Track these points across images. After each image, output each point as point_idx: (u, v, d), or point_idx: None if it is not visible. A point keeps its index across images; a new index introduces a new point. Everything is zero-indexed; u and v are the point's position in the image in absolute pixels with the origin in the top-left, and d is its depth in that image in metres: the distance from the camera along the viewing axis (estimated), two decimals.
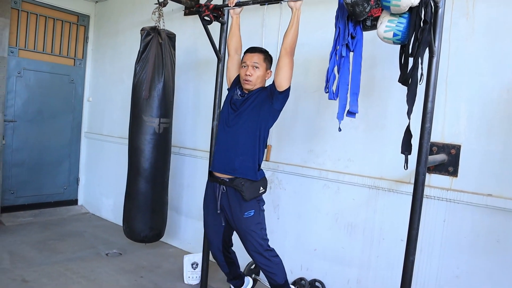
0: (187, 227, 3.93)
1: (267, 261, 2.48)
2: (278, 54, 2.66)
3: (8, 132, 4.41)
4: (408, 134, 2.02)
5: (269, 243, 2.54)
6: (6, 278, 3.01)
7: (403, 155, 2.09)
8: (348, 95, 2.08)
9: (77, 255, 3.58)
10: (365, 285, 2.83)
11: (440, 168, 2.56)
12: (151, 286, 3.09)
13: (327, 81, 2.10)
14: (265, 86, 2.53)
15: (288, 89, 2.38)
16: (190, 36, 3.89)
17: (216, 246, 2.64)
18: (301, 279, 3.04)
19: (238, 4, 2.62)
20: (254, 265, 3.18)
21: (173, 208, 3.93)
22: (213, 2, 2.78)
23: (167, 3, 3.17)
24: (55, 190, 4.90)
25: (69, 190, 5.05)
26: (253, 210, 2.44)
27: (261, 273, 3.26)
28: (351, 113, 2.09)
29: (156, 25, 3.22)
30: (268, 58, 2.52)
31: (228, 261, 2.69)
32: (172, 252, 3.85)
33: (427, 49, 1.95)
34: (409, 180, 2.63)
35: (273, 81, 2.37)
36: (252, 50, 2.51)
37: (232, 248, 2.75)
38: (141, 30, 3.22)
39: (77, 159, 5.09)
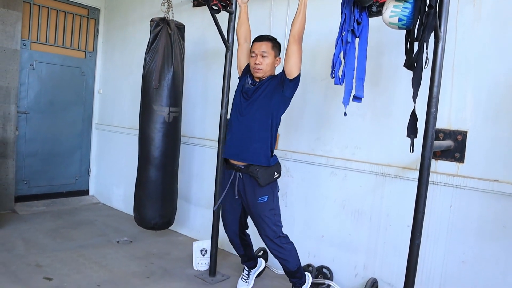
0: (196, 216, 3.99)
1: (278, 247, 2.54)
2: (285, 43, 2.70)
3: (21, 123, 4.50)
4: (413, 117, 2.05)
5: None
6: (21, 263, 3.09)
7: (410, 141, 2.12)
8: (354, 80, 2.11)
9: (89, 242, 3.66)
10: (371, 271, 2.86)
11: (446, 155, 2.58)
12: (160, 272, 3.15)
13: (333, 66, 2.13)
14: (276, 74, 2.57)
15: (298, 77, 2.43)
16: (199, 27, 3.93)
17: (233, 230, 2.73)
18: (309, 265, 3.08)
19: None
20: (262, 252, 3.23)
21: (183, 197, 3.99)
22: None
23: None
24: (67, 180, 4.99)
25: (81, 181, 5.14)
26: (267, 196, 2.52)
27: (268, 259, 3.31)
28: (357, 98, 2.12)
29: (165, 16, 3.27)
30: (276, 45, 2.57)
31: (244, 243, 2.81)
32: (182, 240, 3.91)
33: (433, 34, 1.97)
34: (416, 166, 2.64)
35: (283, 69, 2.41)
36: (260, 38, 2.56)
37: (247, 231, 2.86)
38: (151, 21, 3.28)
39: (88, 150, 5.18)
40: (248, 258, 2.88)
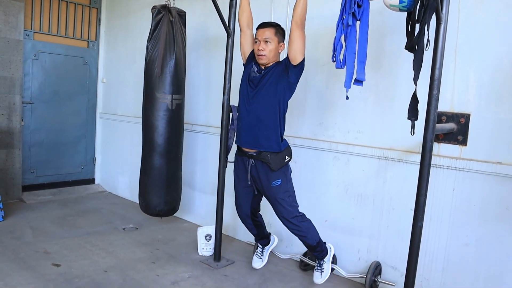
0: (201, 202, 4.02)
1: (295, 226, 2.66)
2: (287, 29, 2.69)
3: (26, 113, 4.53)
4: (414, 100, 2.05)
5: None
6: (30, 250, 3.14)
7: (411, 124, 2.12)
8: (355, 63, 2.11)
9: (96, 230, 3.71)
10: (375, 255, 2.88)
11: (449, 137, 2.57)
12: (166, 258, 3.19)
13: (334, 50, 2.13)
14: (280, 60, 2.58)
15: (303, 62, 2.44)
16: (200, 14, 3.91)
17: (245, 213, 2.84)
18: None
19: None
20: None
21: (187, 184, 4.02)
22: None
23: None
24: (72, 169, 5.04)
25: (86, 170, 5.18)
26: (280, 180, 2.59)
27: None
28: (358, 81, 2.12)
29: (166, 3, 3.26)
30: (279, 31, 2.57)
31: (256, 223, 2.92)
32: (187, 226, 3.95)
33: (435, 15, 1.96)
34: (418, 150, 2.62)
35: (287, 55, 2.42)
36: (263, 25, 2.57)
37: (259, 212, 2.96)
38: (152, 8, 3.27)
39: (93, 139, 5.21)
40: (261, 237, 2.99)
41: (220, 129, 3.03)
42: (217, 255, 3.15)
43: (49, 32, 4.67)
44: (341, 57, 2.13)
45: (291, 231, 2.69)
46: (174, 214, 3.62)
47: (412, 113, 2.07)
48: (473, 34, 2.47)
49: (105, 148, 5.20)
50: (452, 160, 2.55)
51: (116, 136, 4.99)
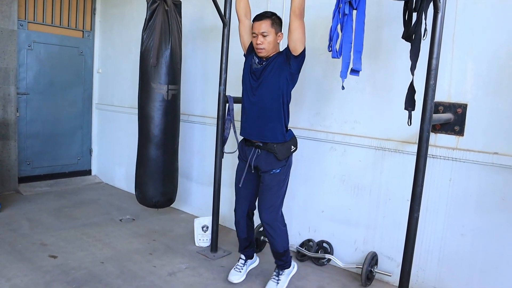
0: (197, 193, 4.02)
1: (271, 222, 2.56)
2: (284, 18, 2.66)
3: (21, 104, 4.50)
4: (411, 90, 2.03)
5: None
6: (26, 242, 3.14)
7: (408, 114, 2.11)
8: (352, 53, 2.08)
9: (92, 221, 3.70)
10: (371, 245, 2.89)
11: (446, 128, 2.57)
12: (163, 248, 3.19)
13: (330, 39, 2.11)
14: (281, 50, 2.55)
15: (304, 52, 2.42)
16: (196, 4, 3.87)
17: (242, 210, 2.73)
18: (309, 240, 3.11)
19: None
20: (262, 228, 3.25)
21: (184, 175, 4.01)
22: None
23: None
24: (69, 160, 5.02)
25: (83, 161, 5.16)
26: (279, 169, 2.55)
27: None
28: (355, 71, 2.10)
29: None
30: (276, 21, 2.51)
31: (249, 226, 2.79)
32: (184, 217, 3.95)
33: (432, 4, 1.93)
34: (415, 140, 2.62)
35: (287, 46, 2.39)
36: (258, 18, 2.50)
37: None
38: None
39: (89, 130, 5.18)
40: (250, 243, 2.83)
41: (216, 119, 3.01)
42: (214, 246, 3.15)
43: (43, 22, 4.61)
44: (337, 46, 2.10)
45: (264, 226, 2.58)
46: (171, 205, 3.62)
47: (409, 103, 2.06)
48: (471, 23, 2.44)
49: (101, 139, 5.17)
50: (448, 150, 2.54)
51: (113, 127, 4.97)
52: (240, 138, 2.72)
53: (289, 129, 2.62)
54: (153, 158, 3.29)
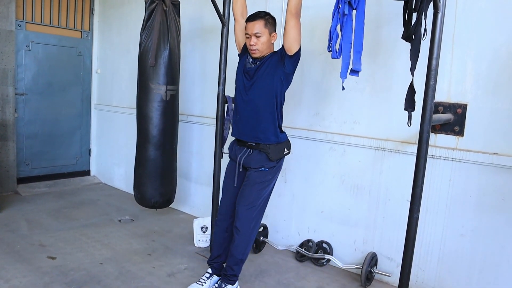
0: (196, 194, 4.01)
1: (242, 223, 2.43)
2: (282, 18, 2.64)
3: (20, 105, 4.49)
4: (411, 90, 2.03)
5: (276, 207, 2.53)
6: (25, 243, 3.13)
7: (408, 114, 2.10)
8: (351, 53, 2.08)
9: (91, 222, 3.69)
10: (371, 245, 2.88)
11: (446, 128, 2.56)
12: (162, 249, 3.19)
13: (330, 39, 2.10)
14: (275, 50, 2.52)
15: (299, 52, 2.37)
16: (194, 3, 3.86)
17: (228, 222, 2.57)
18: (309, 240, 3.11)
19: None
20: (262, 228, 3.25)
21: (183, 175, 4.00)
22: None
23: None
24: (68, 161, 5.01)
25: (82, 161, 5.15)
26: (268, 169, 2.48)
27: (269, 235, 3.34)
28: (355, 72, 2.09)
29: None
30: (269, 21, 2.46)
31: (226, 242, 2.59)
32: (183, 218, 3.94)
33: (432, 4, 1.92)
34: (415, 140, 2.62)
35: (282, 45, 2.36)
36: (251, 18, 2.45)
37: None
38: None
39: (88, 130, 5.17)
40: (223, 260, 2.63)
41: (215, 120, 3.00)
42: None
43: (41, 22, 4.60)
44: (337, 46, 2.09)
45: (235, 224, 2.45)
46: (170, 206, 3.61)
47: (409, 104, 2.05)
48: (470, 24, 2.44)
49: (100, 139, 5.16)
50: (448, 151, 2.54)
51: (112, 127, 4.96)
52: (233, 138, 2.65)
53: (284, 132, 2.56)
54: (151, 158, 3.28)
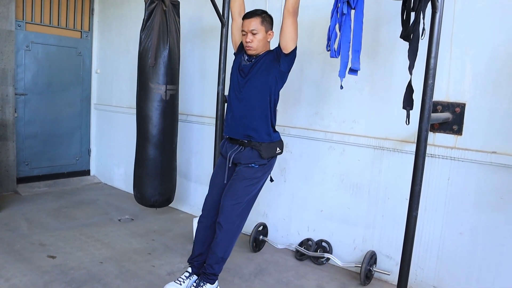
0: (196, 193, 4.02)
1: (225, 220, 2.36)
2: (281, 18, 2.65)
3: (19, 105, 4.49)
4: (409, 89, 2.04)
5: (275, 206, 2.49)
6: (25, 242, 3.13)
7: (406, 113, 2.11)
8: (350, 52, 2.09)
9: (91, 221, 3.70)
10: (370, 244, 2.89)
11: (444, 127, 2.57)
12: (162, 248, 3.19)
13: (329, 39, 2.11)
14: (271, 49, 2.51)
15: (295, 50, 2.34)
16: (194, 3, 3.87)
17: (212, 218, 2.51)
18: (308, 239, 3.12)
19: None
20: (262, 227, 3.26)
21: (182, 175, 4.01)
22: None
23: None
24: (67, 161, 5.02)
25: (81, 161, 5.16)
26: (258, 166, 2.43)
27: (268, 233, 3.35)
28: (353, 71, 2.10)
29: None
30: (266, 19, 2.43)
31: (210, 240, 2.50)
32: (182, 217, 3.95)
33: (430, 4, 1.94)
34: (414, 139, 2.62)
35: (279, 44, 2.36)
36: (248, 16, 2.44)
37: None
38: None
39: (88, 130, 5.18)
40: (204, 260, 2.52)
41: (215, 119, 3.01)
42: None
43: (41, 22, 4.60)
44: (335, 46, 2.10)
45: (218, 220, 2.37)
46: (170, 205, 3.63)
47: (407, 103, 2.06)
48: (469, 23, 2.45)
49: (100, 139, 5.17)
50: (447, 149, 2.55)
51: (111, 127, 4.96)
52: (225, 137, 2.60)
53: (277, 131, 2.53)
54: (151, 158, 3.29)
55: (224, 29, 2.95)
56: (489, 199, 2.43)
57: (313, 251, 3.05)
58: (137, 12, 4.30)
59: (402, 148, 2.72)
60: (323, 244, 3.08)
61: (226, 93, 2.95)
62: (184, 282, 2.48)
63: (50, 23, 4.68)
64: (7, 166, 4.34)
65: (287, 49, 2.31)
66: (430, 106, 2.01)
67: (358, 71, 2.14)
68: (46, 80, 4.69)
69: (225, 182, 2.49)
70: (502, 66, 2.36)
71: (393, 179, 2.77)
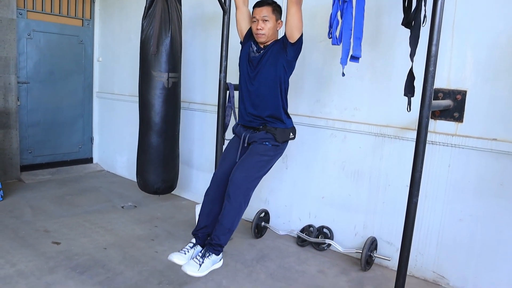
0: (198, 180, 4.05)
1: (233, 191, 2.39)
2: (285, 5, 2.65)
3: (22, 93, 4.51)
4: (410, 76, 2.05)
5: (277, 193, 2.51)
6: (30, 229, 3.18)
7: (407, 100, 2.12)
8: (352, 40, 2.09)
9: (95, 208, 3.74)
10: (371, 230, 2.92)
11: (445, 114, 2.58)
12: (165, 235, 3.23)
13: (330, 26, 2.12)
14: (278, 38, 2.56)
15: (301, 39, 2.41)
16: None
17: (218, 191, 2.54)
18: (310, 226, 3.15)
19: None
20: (263, 213, 3.30)
21: (185, 162, 4.04)
22: None
23: None
24: (70, 149, 5.05)
25: (84, 149, 5.19)
26: (271, 145, 2.50)
27: (270, 220, 3.38)
28: (355, 58, 2.11)
29: None
30: (276, 9, 2.54)
31: (215, 212, 2.53)
32: (185, 204, 3.99)
33: None
34: (415, 126, 2.62)
35: (285, 33, 2.40)
36: (260, 4, 2.52)
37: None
38: None
39: (90, 118, 5.20)
40: (208, 232, 2.54)
41: (217, 107, 3.02)
42: None
43: (42, 10, 4.59)
44: (337, 33, 2.11)
45: (227, 192, 2.40)
46: (172, 192, 3.66)
47: (408, 90, 2.07)
48: (471, 10, 2.45)
49: (102, 127, 5.19)
50: (448, 136, 2.57)
51: (113, 115, 4.98)
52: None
53: (290, 117, 2.60)
54: (154, 145, 3.32)
55: (225, 17, 2.94)
56: (489, 186, 2.45)
57: (314, 237, 3.08)
58: (139, 0, 4.29)
59: (403, 135, 2.73)
60: (324, 230, 3.11)
61: (228, 81, 2.97)
62: (188, 252, 2.49)
63: (51, 11, 4.67)
64: (10, 154, 4.37)
65: (293, 38, 2.37)
66: (431, 93, 2.02)
67: (360, 59, 2.14)
68: (48, 69, 4.69)
69: (237, 160, 2.55)
70: (503, 54, 2.36)
71: (394, 166, 2.79)
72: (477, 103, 2.47)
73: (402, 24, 2.04)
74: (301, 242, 3.15)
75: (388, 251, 2.85)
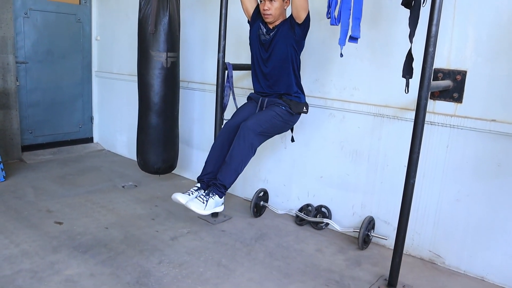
0: (198, 159, 4.07)
1: (243, 138, 2.52)
2: None
3: (21, 73, 4.48)
4: (409, 57, 2.03)
5: (276, 172, 2.58)
6: (32, 209, 3.22)
7: (405, 81, 2.11)
8: (350, 20, 2.07)
9: (96, 188, 3.78)
10: (369, 210, 2.96)
11: (445, 95, 2.57)
12: (165, 214, 3.27)
13: (329, 6, 2.10)
14: (287, 18, 2.62)
15: (308, 18, 2.49)
16: None
17: (227, 138, 2.68)
18: (308, 205, 3.19)
19: None
20: (262, 193, 3.33)
21: (184, 142, 4.05)
22: None
23: None
24: (71, 129, 5.05)
25: (84, 129, 5.20)
26: (285, 110, 2.66)
27: (269, 199, 3.42)
28: (353, 39, 2.10)
29: None
30: None
31: (222, 159, 2.67)
32: (185, 183, 4.02)
33: None
34: (414, 107, 2.60)
35: (291, 13, 2.41)
36: None
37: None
38: None
39: (90, 98, 5.18)
40: (214, 178, 2.67)
41: (215, 86, 3.01)
42: None
43: None
44: (336, 13, 2.09)
45: (236, 139, 2.54)
46: (173, 171, 3.69)
47: (407, 71, 2.06)
48: None
49: (102, 106, 5.18)
50: (446, 117, 2.56)
51: (113, 94, 4.97)
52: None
53: (304, 94, 2.77)
54: (153, 125, 3.33)
55: None
56: (487, 166, 2.46)
57: (313, 217, 3.12)
58: None
59: (402, 116, 2.73)
60: (323, 209, 3.15)
61: (227, 60, 2.95)
62: (192, 194, 2.62)
63: None
64: (11, 135, 4.38)
65: (300, 18, 2.43)
66: (430, 74, 2.01)
67: (359, 39, 2.13)
68: (46, 48, 4.65)
69: (251, 112, 2.76)
70: (504, 33, 2.33)
71: (393, 146, 2.80)
72: (477, 84, 2.45)
73: (402, 4, 2.02)
74: (299, 221, 3.19)
75: (385, 230, 2.88)
